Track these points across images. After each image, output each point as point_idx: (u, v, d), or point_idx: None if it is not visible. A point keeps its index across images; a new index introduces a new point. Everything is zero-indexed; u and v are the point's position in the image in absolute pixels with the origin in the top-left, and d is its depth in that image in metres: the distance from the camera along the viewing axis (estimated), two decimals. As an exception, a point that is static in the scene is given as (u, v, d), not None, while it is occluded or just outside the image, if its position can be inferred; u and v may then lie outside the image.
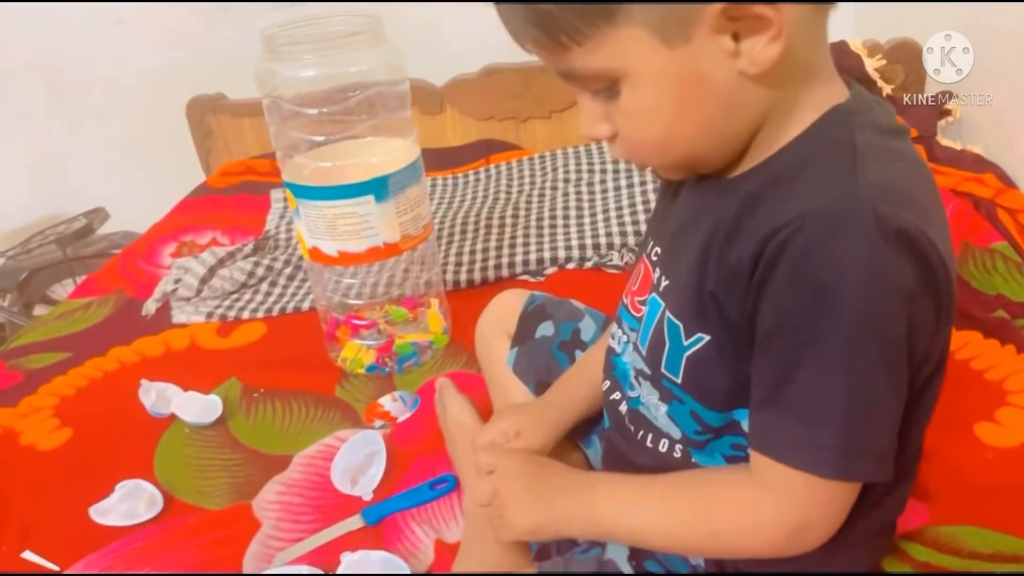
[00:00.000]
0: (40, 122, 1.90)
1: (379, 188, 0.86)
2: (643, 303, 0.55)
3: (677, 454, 0.54)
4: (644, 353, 0.54)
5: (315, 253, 0.91)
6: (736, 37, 0.41)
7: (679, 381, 0.51)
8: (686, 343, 0.49)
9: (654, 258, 0.55)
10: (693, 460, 0.54)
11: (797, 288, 0.42)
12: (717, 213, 0.47)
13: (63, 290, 1.92)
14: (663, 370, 0.52)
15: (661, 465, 0.54)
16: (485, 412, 0.80)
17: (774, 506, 0.46)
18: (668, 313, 0.51)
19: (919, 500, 0.66)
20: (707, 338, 0.48)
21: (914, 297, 0.42)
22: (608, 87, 0.45)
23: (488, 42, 1.52)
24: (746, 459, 0.49)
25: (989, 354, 0.81)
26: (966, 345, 0.83)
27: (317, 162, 0.88)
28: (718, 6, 0.40)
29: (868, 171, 0.42)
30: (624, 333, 0.58)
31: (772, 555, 0.48)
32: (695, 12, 0.41)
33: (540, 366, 0.73)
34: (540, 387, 0.72)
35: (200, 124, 1.60)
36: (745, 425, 0.50)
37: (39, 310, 1.94)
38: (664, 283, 0.53)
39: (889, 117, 0.48)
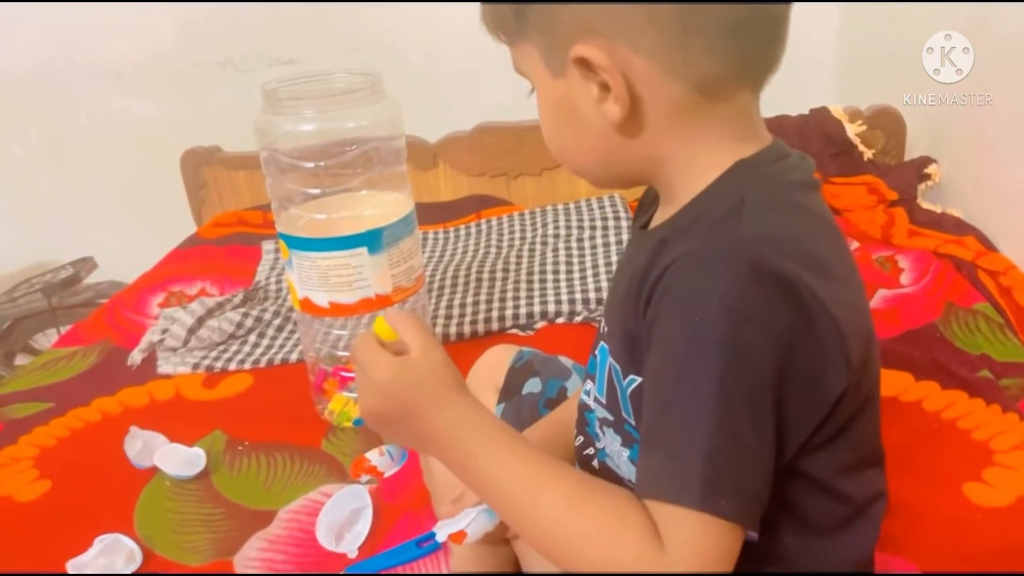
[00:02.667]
0: (31, 168, 1.91)
1: (373, 240, 0.87)
2: (595, 351, 0.57)
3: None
4: (603, 399, 0.55)
5: (306, 304, 0.91)
6: (602, 88, 0.46)
7: (634, 422, 0.52)
8: (624, 383, 0.51)
9: (604, 308, 0.58)
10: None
11: (672, 322, 0.44)
12: (636, 260, 0.50)
13: (46, 339, 1.90)
14: (623, 413, 0.52)
15: None
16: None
17: (636, 537, 0.43)
18: (611, 357, 0.53)
19: (909, 560, 0.65)
20: (638, 379, 0.49)
21: (793, 342, 0.43)
22: (531, 88, 0.51)
23: (481, 101, 1.59)
24: None
25: (975, 414, 0.81)
26: (952, 405, 0.83)
27: (312, 214, 0.89)
28: (571, 55, 0.46)
29: (753, 220, 0.44)
30: (592, 384, 0.59)
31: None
32: (564, 55, 0.46)
33: (526, 422, 0.73)
34: None
35: (194, 176, 1.62)
36: None
37: (21, 360, 1.92)
38: (605, 329, 0.55)
39: (802, 172, 0.50)
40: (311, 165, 0.88)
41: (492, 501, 0.50)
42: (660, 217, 0.52)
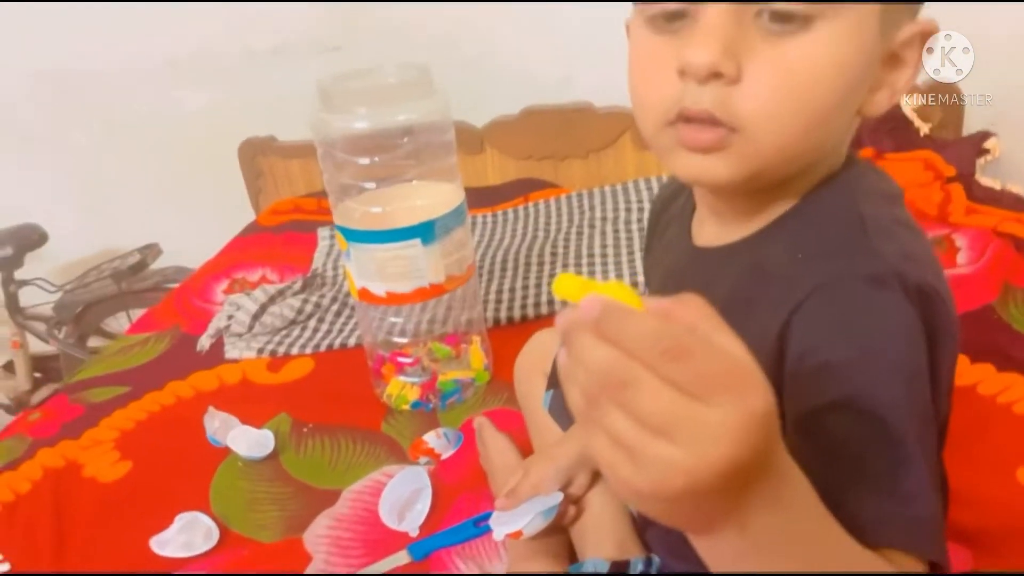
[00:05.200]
0: (95, 158, 1.99)
1: (426, 232, 0.90)
2: None
3: None
4: None
5: (364, 293, 0.95)
6: (898, 64, 0.43)
7: None
8: None
9: None
10: None
11: (844, 354, 0.40)
12: (720, 284, 0.45)
13: (116, 323, 2.00)
14: None
15: None
16: (526, 450, 0.82)
17: None
18: None
19: (961, 545, 0.66)
20: None
21: (941, 353, 0.42)
22: (803, 17, 0.39)
23: (527, 84, 1.60)
24: None
25: (1031, 398, 0.81)
26: (1008, 388, 0.83)
27: (367, 207, 0.92)
28: (916, 31, 0.42)
29: (884, 240, 0.42)
30: None
31: None
32: (904, 25, 0.42)
33: None
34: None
35: (251, 165, 1.67)
36: None
37: (94, 342, 2.03)
38: None
39: (886, 182, 0.48)
40: (366, 161, 0.90)
41: None
42: (723, 232, 0.48)
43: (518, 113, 1.57)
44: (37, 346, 2.01)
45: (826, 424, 0.39)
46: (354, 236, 0.92)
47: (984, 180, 1.27)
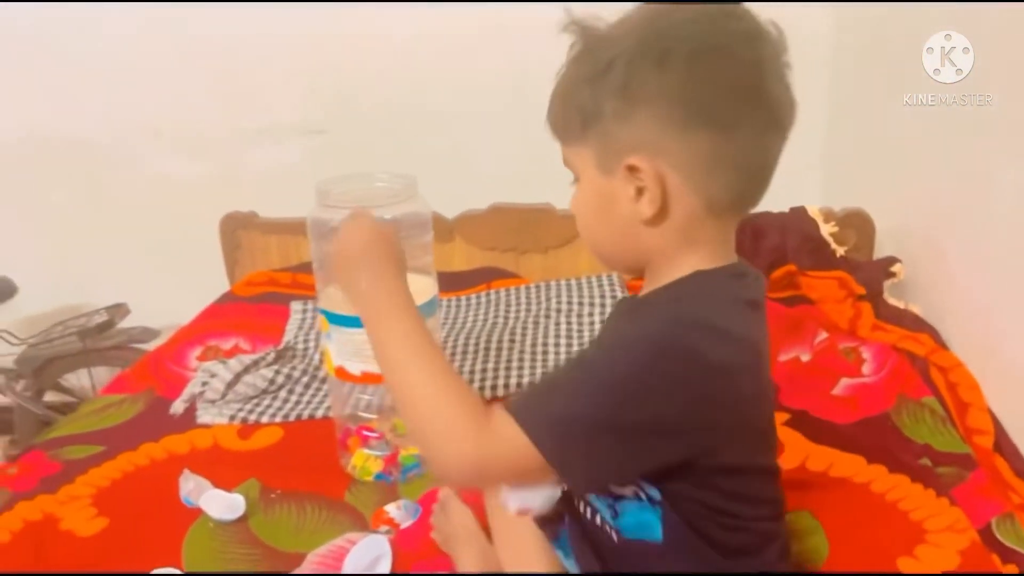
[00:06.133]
0: (73, 217, 2.04)
1: (402, 321, 1.01)
2: None
3: (598, 521, 0.70)
4: None
5: (340, 372, 1.05)
6: (639, 191, 0.61)
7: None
8: None
9: None
10: (613, 528, 0.69)
11: (608, 335, 0.69)
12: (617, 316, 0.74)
13: (76, 379, 2.03)
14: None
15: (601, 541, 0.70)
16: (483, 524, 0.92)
17: (471, 412, 0.60)
18: None
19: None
20: None
21: (688, 382, 0.58)
22: (575, 179, 0.67)
23: (495, 184, 1.75)
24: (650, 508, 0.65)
25: (913, 496, 0.94)
26: (895, 487, 0.96)
27: (350, 295, 1.03)
28: (624, 163, 0.61)
29: (686, 308, 0.62)
30: None
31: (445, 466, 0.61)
32: (616, 161, 0.62)
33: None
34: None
35: (231, 238, 1.77)
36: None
37: (50, 397, 2.04)
38: None
39: (752, 292, 0.66)
40: (354, 255, 1.02)
41: (384, 352, 0.67)
42: (643, 290, 0.69)
43: (486, 208, 1.72)
44: (-9, 398, 2.01)
45: (578, 354, 0.66)
46: (336, 319, 1.02)
47: (891, 300, 1.45)
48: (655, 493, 0.64)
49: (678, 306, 0.62)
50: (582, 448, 0.58)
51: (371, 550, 0.93)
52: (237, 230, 1.77)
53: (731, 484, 0.63)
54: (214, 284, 1.79)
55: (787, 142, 0.63)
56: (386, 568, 0.91)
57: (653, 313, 0.64)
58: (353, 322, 1.01)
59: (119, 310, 1.94)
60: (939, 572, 0.83)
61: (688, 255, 0.64)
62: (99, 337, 1.89)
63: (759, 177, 0.64)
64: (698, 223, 0.63)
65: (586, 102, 0.62)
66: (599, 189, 0.64)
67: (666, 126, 0.59)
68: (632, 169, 0.61)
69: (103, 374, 1.96)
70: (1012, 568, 0.84)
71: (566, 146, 0.66)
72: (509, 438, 0.58)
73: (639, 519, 0.65)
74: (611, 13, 0.64)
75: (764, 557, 0.67)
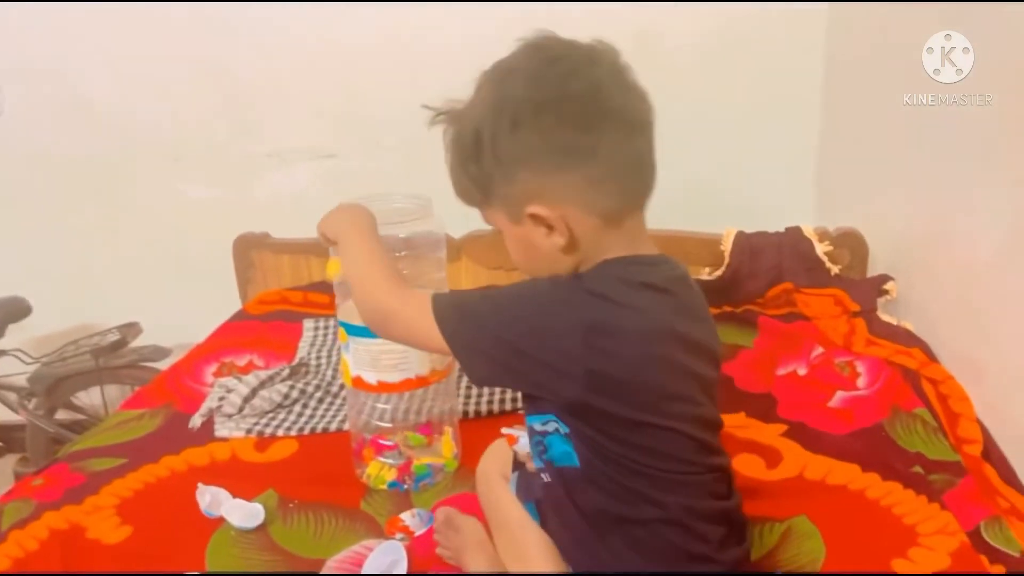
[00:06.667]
0: (88, 237, 2.09)
1: (416, 335, 1.06)
2: None
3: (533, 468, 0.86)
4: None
5: (358, 381, 1.09)
6: (548, 229, 0.72)
7: None
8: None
9: None
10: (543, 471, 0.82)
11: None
12: None
13: (87, 397, 2.06)
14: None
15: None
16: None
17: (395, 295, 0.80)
18: None
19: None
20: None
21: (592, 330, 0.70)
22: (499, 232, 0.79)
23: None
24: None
25: (906, 502, 0.98)
26: (889, 494, 1.01)
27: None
28: (526, 212, 0.72)
29: (583, 282, 0.73)
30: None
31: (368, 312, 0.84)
32: (520, 213, 0.73)
33: (536, 492, 0.90)
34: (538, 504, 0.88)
35: (244, 257, 1.82)
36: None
37: (61, 415, 2.07)
38: None
39: (656, 276, 0.74)
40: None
41: (351, 259, 0.87)
42: None
43: (491, 230, 1.76)
44: (4, 415, 2.04)
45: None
46: (354, 331, 1.07)
47: (884, 316, 1.50)
48: (563, 427, 0.76)
49: (578, 281, 0.74)
50: (468, 336, 0.74)
51: (389, 554, 0.97)
52: (250, 250, 1.82)
53: (624, 432, 0.72)
54: (225, 303, 1.83)
55: (654, 128, 0.73)
56: (403, 570, 0.95)
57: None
58: (371, 333, 1.06)
59: (131, 329, 1.97)
60: (931, 572, 0.87)
61: (603, 256, 0.75)
62: (111, 356, 1.92)
63: (639, 175, 0.74)
64: (602, 233, 0.73)
65: (475, 176, 0.74)
66: (518, 236, 0.75)
67: (543, 174, 0.70)
68: (534, 216, 0.72)
69: (115, 392, 1.99)
70: (999, 568, 0.88)
71: (480, 210, 0.79)
72: (419, 304, 0.76)
73: (562, 449, 0.77)
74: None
75: (667, 505, 0.74)
